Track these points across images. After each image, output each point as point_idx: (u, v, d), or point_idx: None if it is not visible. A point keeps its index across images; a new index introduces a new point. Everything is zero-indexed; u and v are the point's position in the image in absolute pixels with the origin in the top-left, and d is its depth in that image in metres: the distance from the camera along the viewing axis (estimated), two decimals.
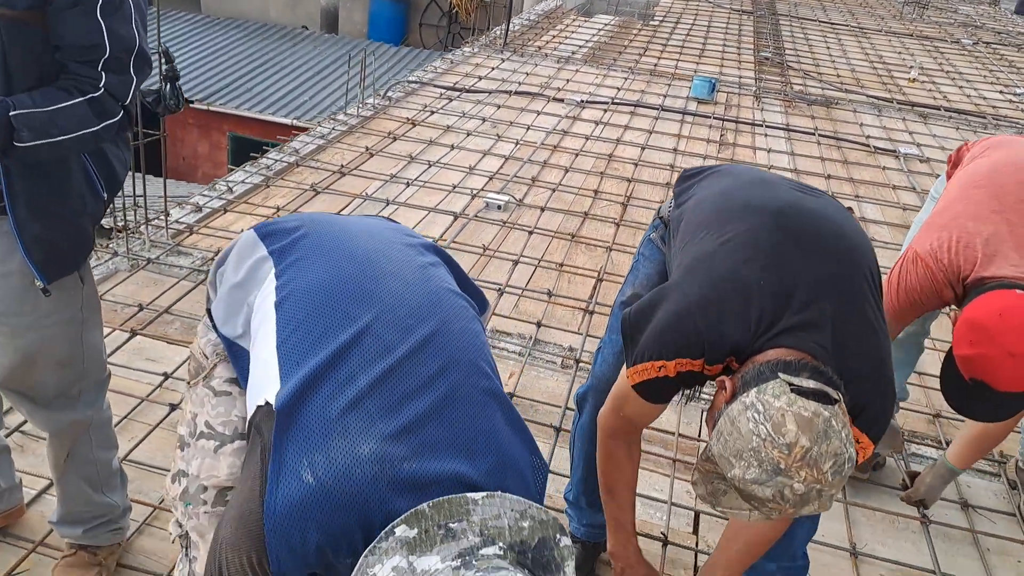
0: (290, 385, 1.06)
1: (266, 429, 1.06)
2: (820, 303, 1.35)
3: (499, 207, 4.15)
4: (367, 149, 4.70)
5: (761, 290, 1.36)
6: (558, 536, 1.01)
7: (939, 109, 6.74)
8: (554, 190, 4.45)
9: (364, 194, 4.12)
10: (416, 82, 6.09)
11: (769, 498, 1.21)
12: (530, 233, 3.93)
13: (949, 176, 2.32)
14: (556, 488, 2.19)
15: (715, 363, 1.37)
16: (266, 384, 1.11)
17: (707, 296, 1.37)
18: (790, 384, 1.23)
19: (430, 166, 4.57)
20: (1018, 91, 7.61)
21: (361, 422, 1.02)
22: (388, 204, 4.01)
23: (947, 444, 2.68)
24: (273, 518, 0.98)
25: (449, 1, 13.40)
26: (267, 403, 1.08)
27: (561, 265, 3.66)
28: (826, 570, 2.17)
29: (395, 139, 4.93)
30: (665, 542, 2.19)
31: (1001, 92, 7.54)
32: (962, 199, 2.02)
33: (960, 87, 7.64)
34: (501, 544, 0.96)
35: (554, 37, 8.35)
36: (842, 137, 5.75)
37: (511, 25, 8.65)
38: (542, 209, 4.20)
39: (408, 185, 4.29)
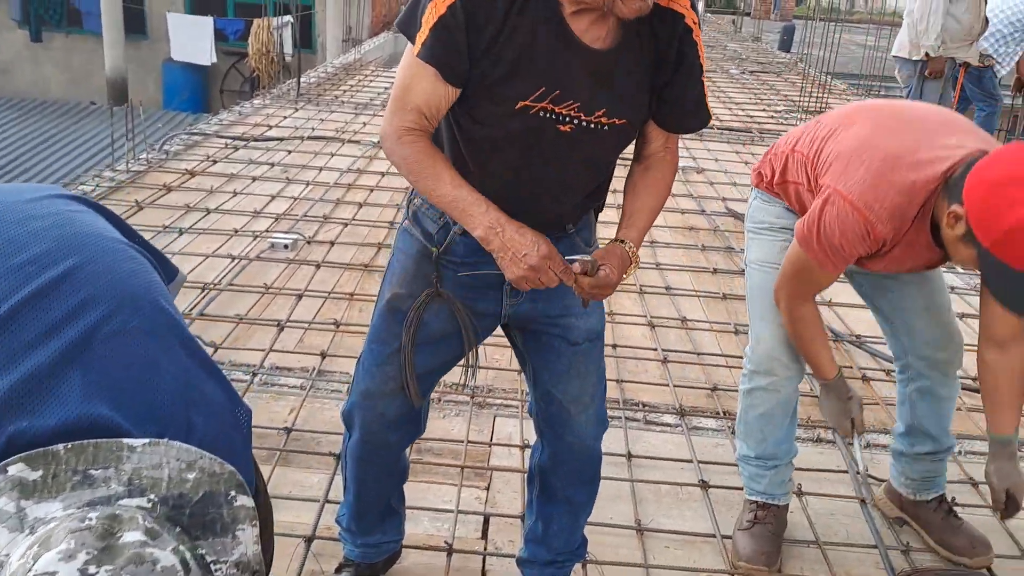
0: None
1: None
2: None
3: (285, 246, 4.02)
4: (137, 203, 4.42)
5: None
6: (232, 493, 0.90)
7: (712, 128, 7.25)
8: (347, 225, 4.37)
9: None
10: (199, 134, 5.86)
11: None
12: (318, 267, 3.81)
13: (770, 185, 2.11)
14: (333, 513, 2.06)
15: None
16: None
17: None
18: None
19: (209, 213, 4.37)
20: (778, 109, 8.35)
21: None
22: None
23: (727, 414, 2.79)
24: None
25: (250, 66, 13.15)
26: None
27: (352, 295, 3.56)
28: (613, 550, 2.16)
29: (170, 191, 4.68)
30: (450, 551, 2.11)
31: (764, 111, 8.25)
32: (849, 125, 1.87)
33: (730, 109, 8.28)
34: (152, 496, 0.85)
35: (352, 87, 8.34)
36: (625, 154, 6.02)
37: (308, 78, 8.58)
38: (332, 243, 4.10)
39: (181, 234, 4.06)
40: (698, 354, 3.22)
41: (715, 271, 4.02)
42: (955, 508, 2.25)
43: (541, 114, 1.49)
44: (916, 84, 5.24)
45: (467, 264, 1.62)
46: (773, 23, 21.34)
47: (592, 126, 1.52)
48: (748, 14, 22.16)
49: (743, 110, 8.28)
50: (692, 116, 1.61)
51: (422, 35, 1.45)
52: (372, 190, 4.94)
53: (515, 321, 1.71)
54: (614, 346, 3.20)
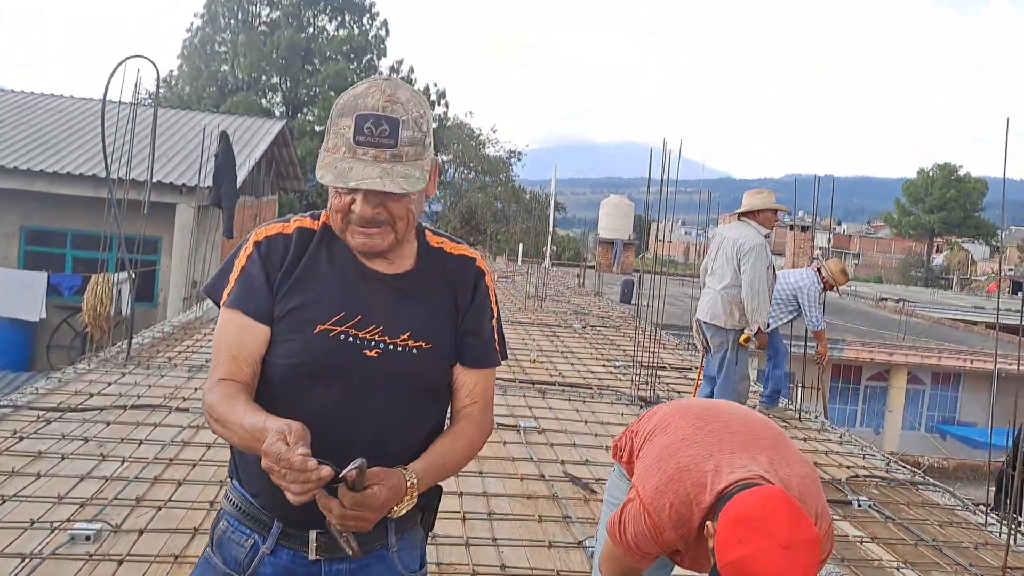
0: None
1: None
2: None
3: (87, 538, 3.64)
4: None
5: None
6: None
7: (555, 384, 7.46)
8: (160, 508, 4.04)
9: None
10: (8, 405, 5.45)
11: None
12: (120, 562, 3.45)
13: (628, 463, 2.22)
14: None
15: None
16: None
17: None
18: None
19: (4, 501, 3.95)
20: (616, 364, 8.75)
21: None
22: None
23: None
24: None
25: (83, 321, 12.70)
26: None
27: None
28: None
29: None
30: None
31: (604, 366, 8.62)
32: (663, 431, 2.03)
33: (572, 364, 8.61)
34: None
35: (188, 347, 8.13)
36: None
37: (142, 337, 8.32)
38: (141, 532, 3.75)
39: None
40: None
41: (550, 545, 3.92)
42: None
43: (342, 337, 1.55)
44: (732, 351, 5.64)
45: None
46: (615, 275, 23.01)
47: (399, 349, 1.58)
48: (592, 267, 23.88)
49: (584, 365, 8.63)
50: (487, 352, 1.71)
51: (229, 288, 1.59)
52: (195, 465, 4.66)
53: None
54: None
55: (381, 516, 1.45)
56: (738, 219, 5.75)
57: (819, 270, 7.04)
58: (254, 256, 1.59)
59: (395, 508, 1.49)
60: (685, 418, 2.04)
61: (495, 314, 1.73)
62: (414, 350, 1.59)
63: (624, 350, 9.60)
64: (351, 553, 1.44)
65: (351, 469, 1.35)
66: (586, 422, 6.28)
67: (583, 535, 4.00)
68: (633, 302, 15.04)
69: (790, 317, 7.05)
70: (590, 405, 6.90)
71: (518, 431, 5.83)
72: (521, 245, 28.30)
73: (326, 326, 1.55)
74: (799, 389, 7.77)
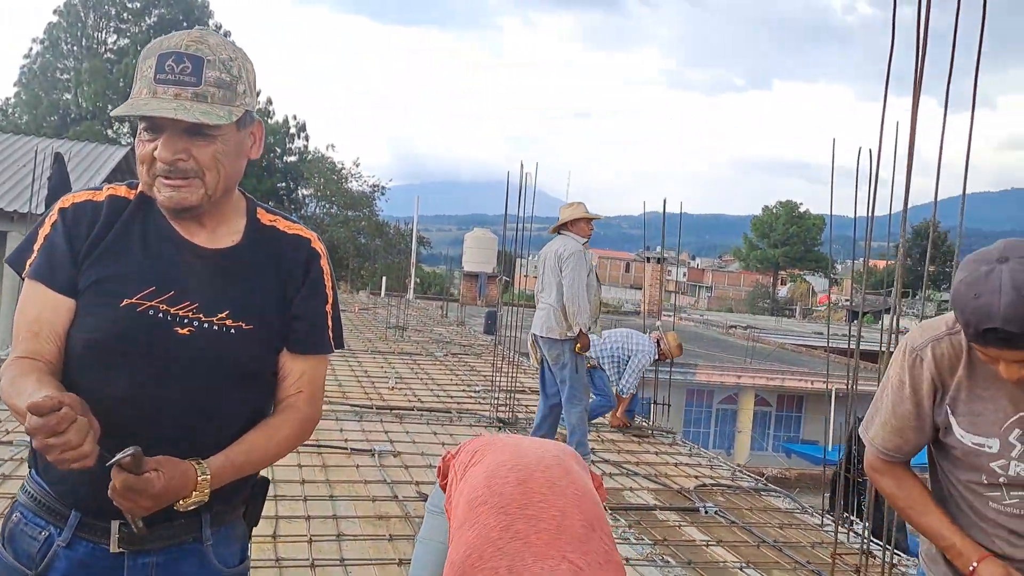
0: None
1: None
2: None
3: None
4: None
5: None
6: None
7: (413, 409, 7.37)
8: None
9: None
10: None
11: None
12: None
13: (443, 487, 2.21)
14: None
15: None
16: None
17: None
18: None
19: None
20: (476, 389, 8.76)
21: None
22: None
23: None
24: None
25: None
26: None
27: None
28: None
29: None
30: None
31: (464, 391, 8.61)
32: (470, 523, 1.90)
33: (432, 389, 8.54)
34: None
35: None
36: (323, 443, 5.87)
37: None
38: None
39: None
40: None
41: (400, 562, 3.83)
42: None
43: (151, 313, 1.43)
44: (571, 360, 5.72)
45: None
46: (480, 308, 23.12)
47: (216, 329, 1.47)
48: (456, 300, 23.93)
49: (444, 391, 8.58)
50: (314, 338, 1.61)
51: (32, 258, 1.47)
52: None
53: None
54: None
55: (161, 505, 1.34)
56: (558, 233, 5.91)
57: (658, 342, 7.39)
58: (58, 224, 1.47)
59: (181, 502, 1.38)
60: (492, 510, 1.88)
61: (330, 299, 1.62)
62: (232, 330, 1.48)
63: (484, 376, 9.62)
64: (135, 529, 1.34)
65: (123, 456, 1.25)
66: (443, 444, 6.22)
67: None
68: (497, 333, 15.17)
69: (618, 375, 7.38)
70: (448, 428, 6.84)
71: (372, 455, 5.70)
72: (384, 279, 28.03)
73: (133, 300, 1.43)
74: (653, 407, 8.00)
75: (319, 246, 1.63)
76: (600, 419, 7.64)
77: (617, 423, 7.37)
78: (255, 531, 1.77)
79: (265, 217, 1.61)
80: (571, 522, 1.85)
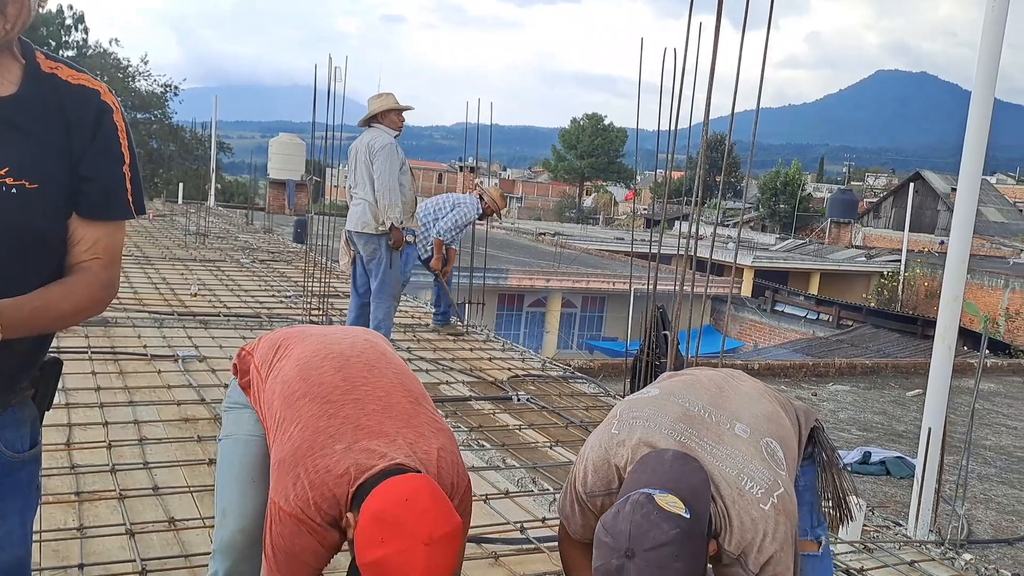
0: None
1: None
2: None
3: None
4: None
5: None
6: None
7: (219, 315, 7.05)
8: None
9: None
10: None
11: None
12: None
13: (243, 385, 2.10)
14: None
15: None
16: None
17: None
18: None
19: None
20: (287, 295, 8.51)
21: None
22: None
23: None
24: None
25: None
26: None
27: None
28: None
29: None
30: None
31: (273, 296, 8.33)
32: (291, 418, 1.80)
33: (239, 296, 8.20)
34: None
35: None
36: (119, 349, 5.51)
37: None
38: None
39: None
40: (186, 556, 2.85)
41: (210, 462, 3.70)
42: None
43: None
44: (387, 255, 5.67)
45: None
46: (288, 217, 22.27)
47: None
48: (263, 208, 22.92)
49: (252, 296, 8.26)
50: (109, 201, 1.48)
51: None
52: None
53: None
54: (80, 566, 2.68)
55: None
56: (368, 127, 5.75)
57: (480, 196, 7.31)
58: None
59: None
60: (314, 401, 1.82)
61: (127, 160, 1.48)
62: (14, 190, 1.33)
63: (296, 282, 9.35)
64: None
65: None
66: None
67: None
68: (307, 241, 14.70)
69: (459, 235, 7.22)
70: (259, 333, 6.59)
71: (176, 360, 5.42)
72: (181, 186, 26.27)
73: None
74: (467, 306, 8.12)
75: (110, 99, 1.47)
76: (416, 320, 7.68)
77: (437, 268, 7.09)
78: (46, 440, 1.64)
79: (45, 64, 1.43)
80: (397, 400, 1.86)
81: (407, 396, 1.88)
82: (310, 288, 8.12)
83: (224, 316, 7.04)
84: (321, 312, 7.28)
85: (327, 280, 8.14)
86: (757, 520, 1.58)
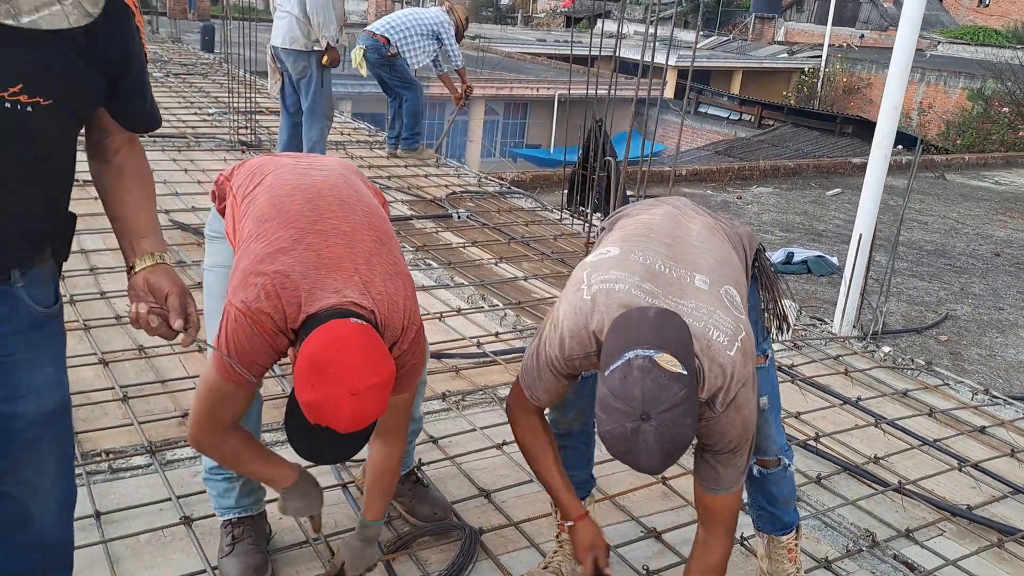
0: None
1: None
2: None
3: None
4: None
5: None
6: None
7: (144, 136, 6.79)
8: None
9: None
10: None
11: None
12: None
13: (220, 211, 2.13)
14: None
15: None
16: None
17: None
18: None
19: None
20: (211, 111, 8.20)
21: None
22: None
23: None
24: None
25: None
26: None
27: None
28: None
29: None
30: None
31: (196, 114, 8.03)
32: (257, 236, 1.84)
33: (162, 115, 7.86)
34: None
35: None
36: None
37: None
38: None
39: None
40: (163, 382, 3.01)
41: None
42: (422, 478, 2.46)
43: None
44: (317, 74, 5.50)
45: None
46: (192, 23, 20.85)
47: (6, 106, 1.25)
48: (164, 14, 21.32)
49: (175, 115, 7.94)
50: (149, 111, 1.57)
51: None
52: None
53: None
54: None
55: None
56: None
57: (450, 12, 6.84)
58: None
59: None
60: (281, 225, 1.86)
61: (146, 64, 1.47)
62: (29, 107, 1.27)
63: (216, 97, 8.97)
64: None
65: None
66: (186, 171, 5.92)
67: (200, 276, 3.89)
68: (217, 50, 13.85)
69: (431, 58, 6.87)
70: (188, 154, 6.47)
71: None
72: None
73: None
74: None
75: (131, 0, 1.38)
76: (346, 136, 7.56)
77: (464, 93, 7.18)
78: None
79: None
80: (361, 237, 1.91)
81: (372, 234, 1.94)
82: (235, 105, 7.84)
83: (150, 137, 6.80)
84: (249, 131, 7.10)
85: (251, 96, 7.86)
86: (725, 366, 1.69)
